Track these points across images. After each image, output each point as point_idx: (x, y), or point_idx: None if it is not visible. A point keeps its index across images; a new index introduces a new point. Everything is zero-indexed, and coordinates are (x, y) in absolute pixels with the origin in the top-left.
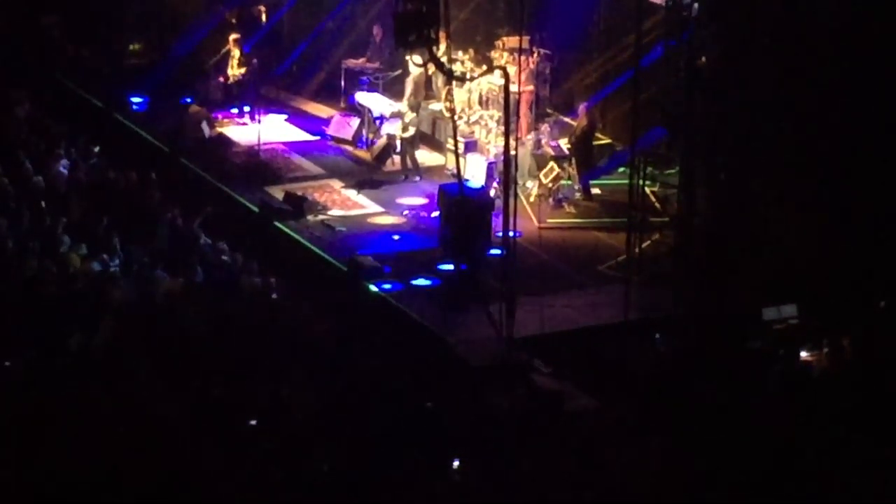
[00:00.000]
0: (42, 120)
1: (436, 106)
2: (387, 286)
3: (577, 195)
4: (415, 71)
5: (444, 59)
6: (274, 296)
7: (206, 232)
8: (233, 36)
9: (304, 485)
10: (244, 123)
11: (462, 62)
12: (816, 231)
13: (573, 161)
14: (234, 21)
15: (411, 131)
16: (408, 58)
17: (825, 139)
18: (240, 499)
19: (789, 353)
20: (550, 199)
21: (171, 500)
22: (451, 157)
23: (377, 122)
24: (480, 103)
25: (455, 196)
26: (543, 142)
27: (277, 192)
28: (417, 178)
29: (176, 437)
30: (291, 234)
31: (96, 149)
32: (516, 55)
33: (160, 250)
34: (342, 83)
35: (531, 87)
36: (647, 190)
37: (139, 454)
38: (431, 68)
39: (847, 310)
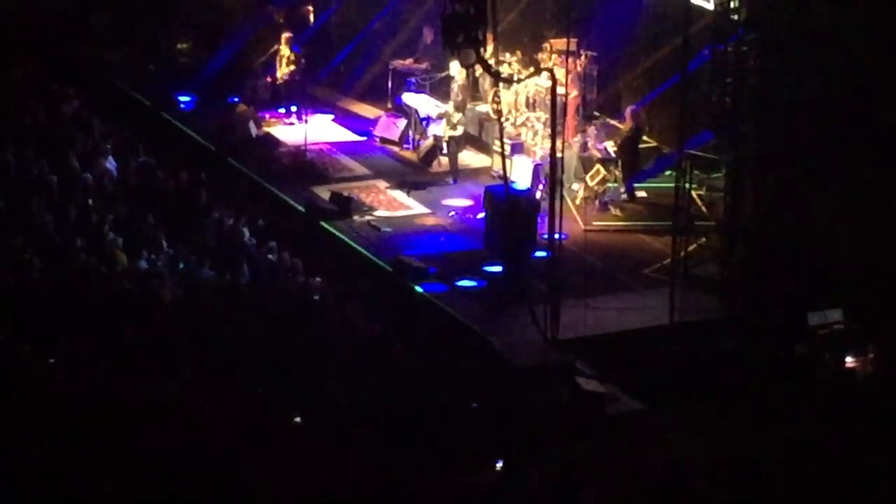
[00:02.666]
0: (90, 118)
1: (482, 108)
2: (432, 287)
3: (623, 198)
4: (460, 72)
5: (491, 61)
6: (316, 297)
7: (252, 231)
8: (285, 35)
9: (347, 484)
10: (291, 123)
11: (509, 64)
12: (863, 236)
13: (619, 164)
14: (281, 20)
15: (460, 130)
16: (452, 61)
17: (872, 143)
18: (281, 497)
19: (835, 358)
20: (596, 202)
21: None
22: (498, 158)
23: (424, 123)
24: (527, 105)
25: (501, 198)
26: (590, 144)
27: (324, 193)
28: (453, 181)
29: (219, 436)
30: (337, 234)
31: (143, 148)
32: (563, 57)
33: (207, 249)
34: (389, 84)
35: (578, 90)
36: (694, 193)
37: (183, 453)
38: (479, 70)
39: (893, 315)
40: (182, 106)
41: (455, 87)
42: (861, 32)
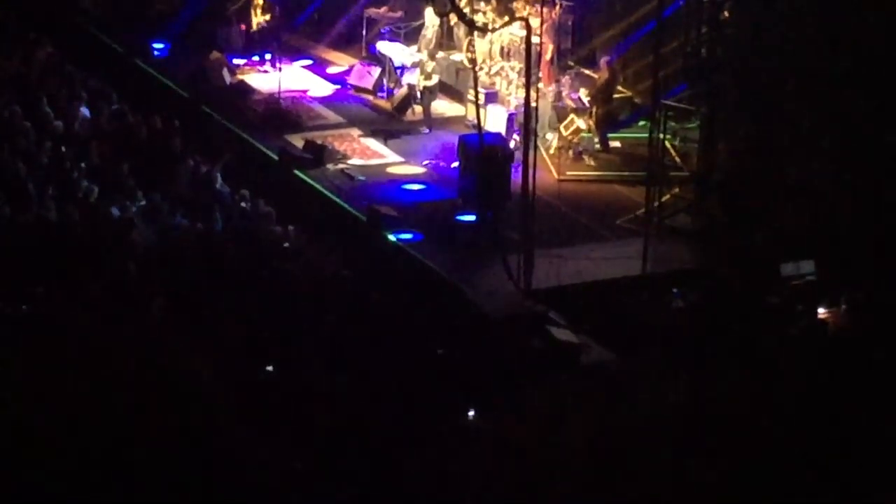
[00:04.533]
0: (63, 64)
1: (457, 56)
2: (405, 236)
3: (597, 148)
4: (434, 20)
5: (466, 10)
6: (286, 244)
7: (225, 179)
8: None
9: (318, 429)
10: (265, 71)
11: (484, 13)
12: (836, 188)
13: (593, 114)
14: None
15: (434, 79)
16: (426, 9)
17: (847, 93)
18: (253, 446)
19: (807, 310)
20: (570, 152)
21: (186, 443)
22: (472, 107)
23: (398, 71)
24: (502, 54)
25: (475, 147)
26: (564, 94)
27: (297, 141)
28: (427, 130)
29: (190, 382)
30: (311, 182)
31: (117, 95)
32: (538, 6)
33: (180, 196)
34: (364, 32)
35: (553, 39)
36: (668, 144)
37: (153, 396)
38: (453, 18)
39: (865, 267)
40: (156, 53)
41: (427, 35)
42: None
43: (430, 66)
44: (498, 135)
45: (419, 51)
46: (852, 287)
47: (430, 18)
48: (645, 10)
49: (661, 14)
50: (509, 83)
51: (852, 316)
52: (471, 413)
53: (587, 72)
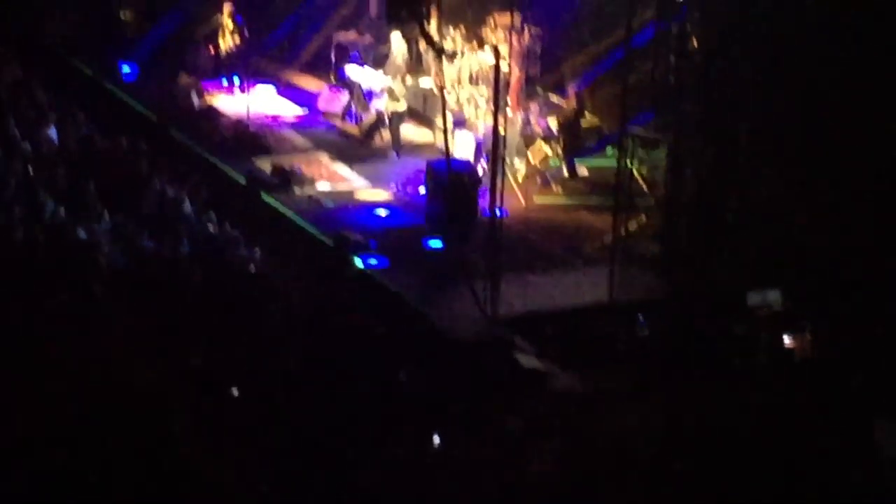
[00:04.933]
0: (31, 86)
1: (426, 82)
2: (372, 262)
3: (565, 175)
4: (402, 46)
5: (434, 36)
6: (252, 268)
7: (192, 202)
8: (227, 6)
9: (282, 453)
10: (233, 95)
11: (453, 39)
12: (802, 216)
13: (561, 141)
14: None
15: (403, 104)
16: (392, 33)
17: (813, 122)
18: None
19: (773, 339)
20: (538, 179)
21: (149, 467)
22: (440, 134)
23: (367, 96)
24: (470, 81)
25: (443, 173)
26: (532, 121)
27: (265, 165)
28: (396, 155)
29: (154, 404)
30: (278, 206)
31: (84, 116)
32: (507, 33)
33: (147, 218)
34: (333, 57)
35: (521, 66)
36: (635, 171)
37: (116, 420)
38: (422, 44)
39: (831, 296)
40: (124, 75)
41: (396, 60)
42: (805, 11)
43: (398, 91)
44: (466, 161)
45: (388, 76)
46: (818, 316)
47: (399, 44)
48: (613, 39)
49: (628, 43)
50: (477, 109)
51: (817, 344)
52: (436, 438)
53: (555, 99)
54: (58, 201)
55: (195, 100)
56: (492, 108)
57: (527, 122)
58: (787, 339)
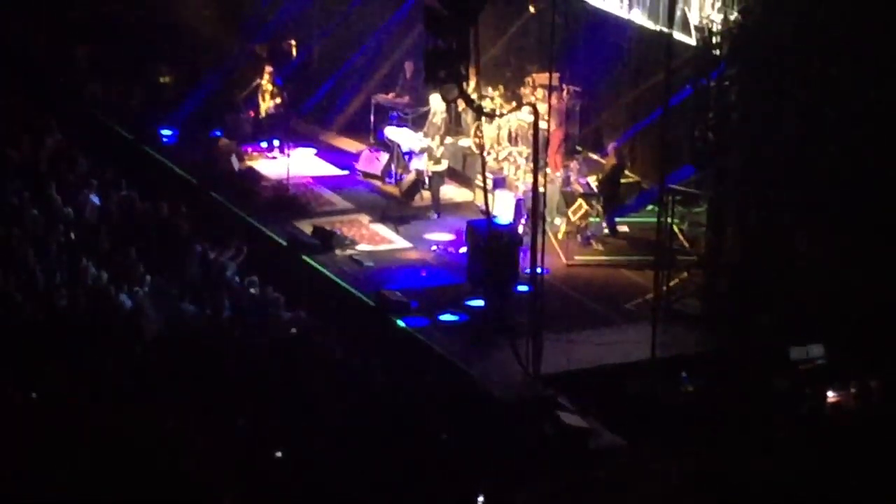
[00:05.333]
0: (72, 151)
1: (465, 142)
2: (414, 321)
3: (605, 233)
4: (441, 106)
5: (473, 96)
6: (293, 330)
7: (234, 265)
8: (267, 69)
9: None
10: (273, 157)
11: (491, 98)
12: (845, 271)
13: (601, 199)
14: (264, 55)
15: (443, 164)
16: (431, 94)
17: (855, 178)
18: None
19: (816, 394)
20: (578, 237)
21: None
22: (480, 193)
23: (406, 157)
24: (510, 140)
25: (483, 232)
26: (572, 179)
27: (306, 227)
28: (436, 215)
29: (202, 468)
30: (319, 268)
31: (125, 181)
32: (546, 92)
33: (189, 283)
34: (372, 118)
35: (560, 125)
36: (676, 228)
37: (166, 485)
38: (461, 104)
39: (875, 351)
40: (164, 140)
41: (435, 121)
42: (842, 68)
43: (438, 151)
44: (506, 220)
45: (427, 136)
46: (862, 371)
47: (438, 104)
48: (652, 96)
49: (667, 100)
50: (517, 168)
51: (861, 398)
52: (480, 499)
53: (595, 157)
54: (100, 266)
55: (235, 163)
56: (531, 166)
57: (567, 181)
58: (830, 394)
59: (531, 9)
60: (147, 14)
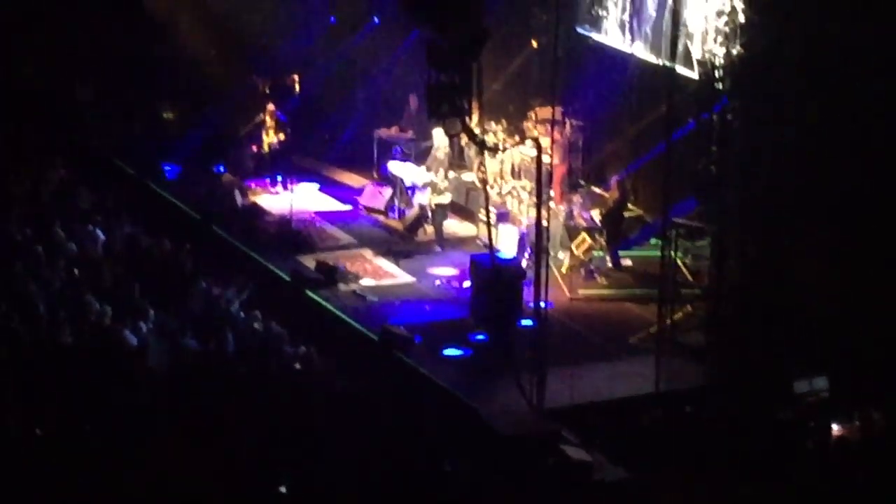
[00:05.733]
0: (75, 186)
1: (468, 176)
2: (418, 356)
3: (609, 266)
4: (444, 141)
5: (476, 130)
6: (298, 365)
7: (238, 300)
8: (270, 106)
9: None
10: (277, 192)
11: (494, 133)
12: (848, 304)
13: (604, 232)
14: (267, 90)
15: (446, 199)
16: (434, 129)
17: (858, 211)
18: None
19: (820, 426)
20: (582, 270)
21: None
22: (483, 227)
23: (409, 191)
24: (513, 174)
25: (486, 266)
26: (575, 213)
27: (309, 262)
28: (439, 250)
29: None
30: (323, 303)
31: (129, 216)
32: (548, 126)
33: (192, 318)
34: (375, 153)
35: (563, 159)
36: (679, 261)
37: None
38: (464, 139)
39: (879, 383)
40: (167, 175)
41: (438, 155)
42: (845, 103)
43: (441, 185)
44: (510, 254)
45: (430, 171)
46: (865, 403)
47: (441, 139)
48: (655, 129)
49: (669, 133)
50: (520, 202)
51: (865, 431)
52: None
53: (598, 190)
54: (103, 302)
55: (238, 198)
56: (535, 200)
57: (570, 214)
58: (835, 427)
59: (533, 43)
60: (150, 50)
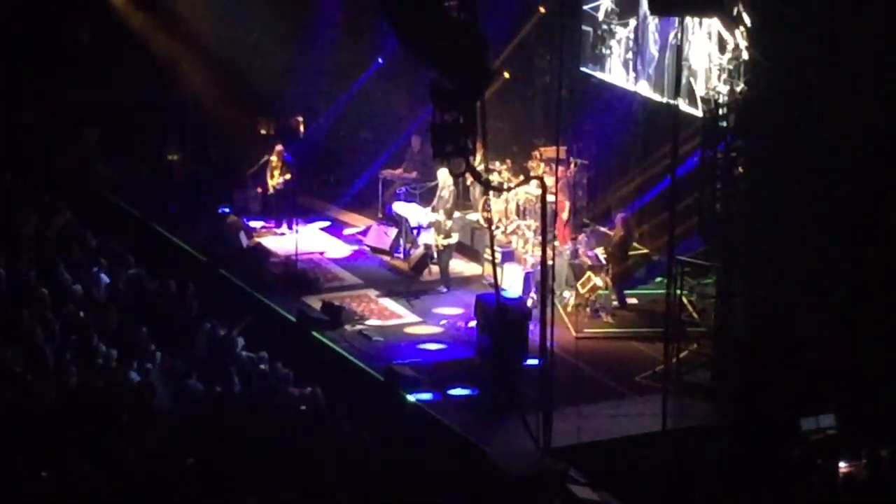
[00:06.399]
0: (81, 230)
1: (473, 216)
2: (424, 396)
3: (614, 305)
4: (449, 181)
5: (480, 170)
6: (303, 407)
7: (243, 341)
8: (278, 147)
9: None
10: (282, 233)
11: (499, 172)
12: (855, 340)
13: (609, 271)
14: (272, 132)
15: (451, 238)
16: (440, 169)
17: (865, 248)
18: None
19: (828, 464)
20: (587, 309)
21: None
22: (489, 266)
23: (414, 231)
24: (517, 213)
25: (492, 306)
26: (580, 251)
27: (315, 302)
28: (445, 289)
29: None
30: (329, 343)
31: (134, 258)
32: (553, 165)
33: (197, 360)
34: (380, 193)
35: (568, 198)
36: (685, 300)
37: None
38: (469, 178)
39: (886, 420)
40: (172, 217)
41: (443, 195)
42: (850, 140)
43: (447, 225)
44: (515, 294)
45: (435, 211)
46: (873, 440)
47: (446, 179)
48: (659, 168)
49: (674, 171)
50: (525, 242)
51: (873, 469)
52: None
53: (603, 229)
54: (109, 344)
55: (244, 239)
56: (539, 240)
57: (575, 253)
58: (842, 464)
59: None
60: (155, 93)
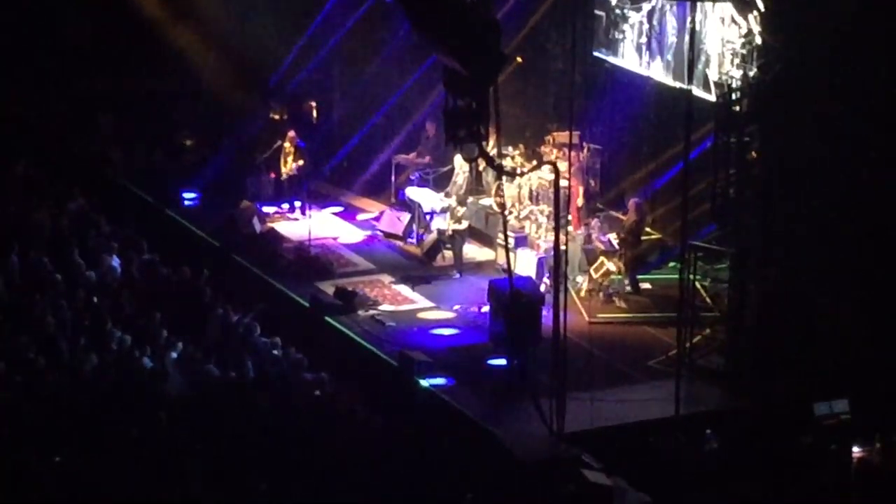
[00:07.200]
0: (95, 216)
1: (486, 201)
2: (437, 381)
3: (627, 290)
4: (463, 166)
5: (493, 155)
6: (317, 392)
7: (257, 327)
8: (290, 132)
9: None
10: (295, 219)
11: (512, 157)
12: (868, 326)
13: (623, 256)
14: (285, 117)
15: (464, 224)
16: (456, 155)
17: (877, 232)
18: None
19: (841, 450)
20: (600, 294)
21: None
22: (502, 252)
23: (427, 217)
24: (531, 198)
25: (505, 291)
26: (593, 237)
27: (328, 288)
28: (458, 275)
29: None
30: (342, 328)
31: (147, 244)
32: (566, 150)
33: (211, 345)
34: (393, 178)
35: (581, 183)
36: (698, 285)
37: None
38: (482, 164)
39: None
40: (186, 203)
41: (458, 180)
42: (865, 125)
43: (459, 211)
44: (528, 278)
45: (448, 196)
46: (887, 426)
47: (459, 164)
48: (672, 153)
49: (687, 156)
50: (538, 227)
51: (886, 454)
52: None
53: (616, 214)
54: (123, 330)
55: (257, 225)
56: (552, 225)
57: (588, 239)
58: (855, 450)
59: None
60: (168, 79)
